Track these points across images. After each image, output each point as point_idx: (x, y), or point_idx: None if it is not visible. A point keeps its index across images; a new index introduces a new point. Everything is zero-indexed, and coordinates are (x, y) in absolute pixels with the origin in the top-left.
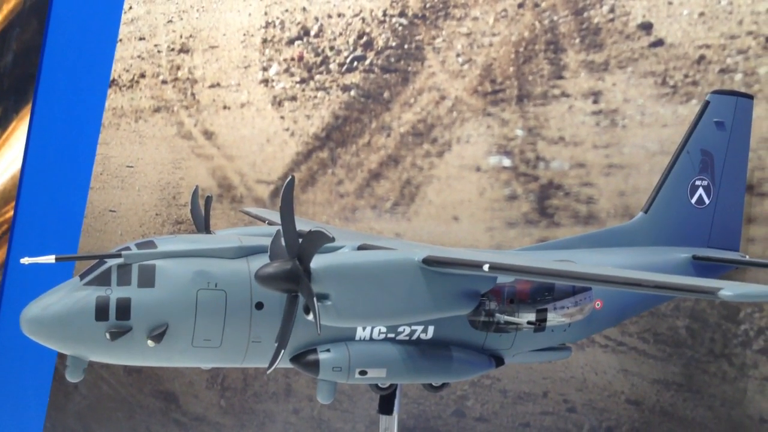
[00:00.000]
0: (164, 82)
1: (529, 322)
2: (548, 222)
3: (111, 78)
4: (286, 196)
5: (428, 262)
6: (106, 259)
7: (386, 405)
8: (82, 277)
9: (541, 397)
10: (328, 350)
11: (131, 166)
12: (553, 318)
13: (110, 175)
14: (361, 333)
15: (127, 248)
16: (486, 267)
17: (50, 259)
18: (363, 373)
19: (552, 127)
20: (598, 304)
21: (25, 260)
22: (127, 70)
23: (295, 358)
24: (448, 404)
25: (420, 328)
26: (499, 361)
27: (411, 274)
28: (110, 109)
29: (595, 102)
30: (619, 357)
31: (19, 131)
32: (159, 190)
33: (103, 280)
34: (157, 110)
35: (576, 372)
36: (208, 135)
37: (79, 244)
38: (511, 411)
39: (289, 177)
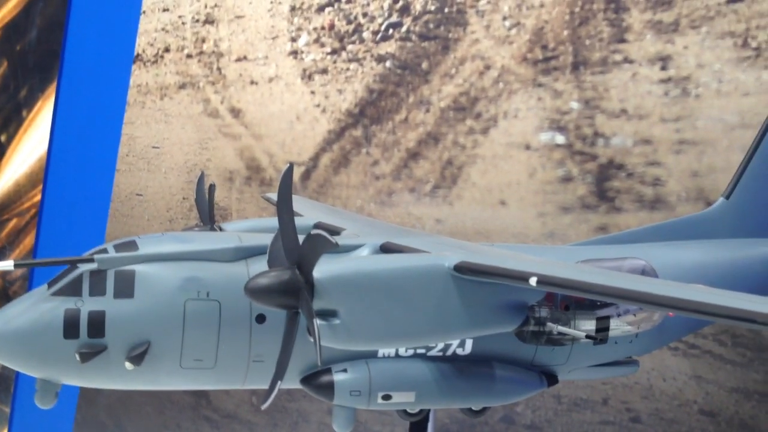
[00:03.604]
0: (189, 56)
1: (588, 336)
2: (608, 207)
3: (135, 53)
4: (283, 188)
5: (461, 269)
6: (78, 264)
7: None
8: (50, 285)
9: (601, 404)
10: (344, 370)
11: (157, 147)
12: (617, 327)
13: (136, 156)
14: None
15: (104, 251)
16: (533, 281)
17: (8, 265)
18: (387, 397)
19: (613, 99)
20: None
21: None
22: (152, 44)
23: (306, 380)
24: (495, 409)
25: (456, 341)
26: (551, 378)
27: (440, 285)
28: (135, 86)
29: (664, 68)
30: (691, 361)
31: (45, 111)
32: (186, 173)
33: (74, 289)
34: (182, 87)
35: (641, 378)
36: (235, 112)
37: (107, 230)
38: (566, 419)
39: (287, 164)
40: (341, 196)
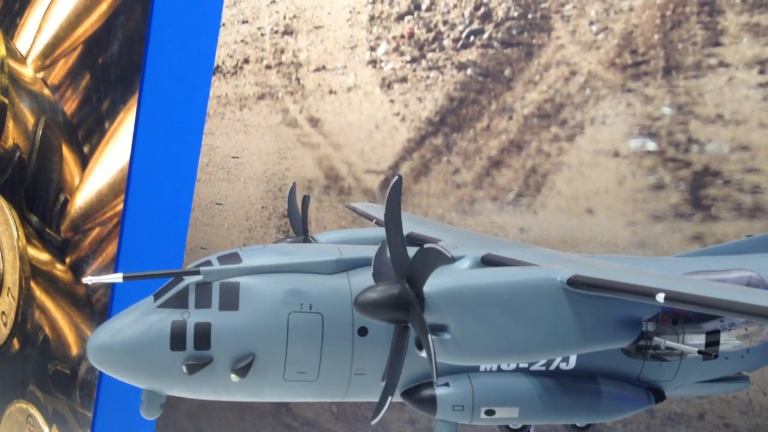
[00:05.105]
0: (268, 67)
1: (700, 351)
2: (704, 215)
3: (215, 65)
4: (392, 201)
5: (575, 283)
6: (183, 276)
7: None
8: (156, 296)
9: (697, 419)
10: (446, 384)
11: (236, 157)
12: (727, 342)
13: (216, 166)
14: None
15: (208, 263)
16: (661, 297)
17: (117, 278)
18: (490, 412)
19: (708, 104)
20: None
21: (88, 279)
22: (231, 56)
23: (408, 393)
24: None
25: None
26: (658, 395)
27: (553, 299)
28: (215, 97)
29: (762, 72)
30: None
31: (127, 122)
32: (265, 182)
33: (180, 301)
34: (261, 97)
35: (740, 392)
36: (314, 122)
37: (187, 239)
38: None
39: (396, 176)
40: (421, 204)
